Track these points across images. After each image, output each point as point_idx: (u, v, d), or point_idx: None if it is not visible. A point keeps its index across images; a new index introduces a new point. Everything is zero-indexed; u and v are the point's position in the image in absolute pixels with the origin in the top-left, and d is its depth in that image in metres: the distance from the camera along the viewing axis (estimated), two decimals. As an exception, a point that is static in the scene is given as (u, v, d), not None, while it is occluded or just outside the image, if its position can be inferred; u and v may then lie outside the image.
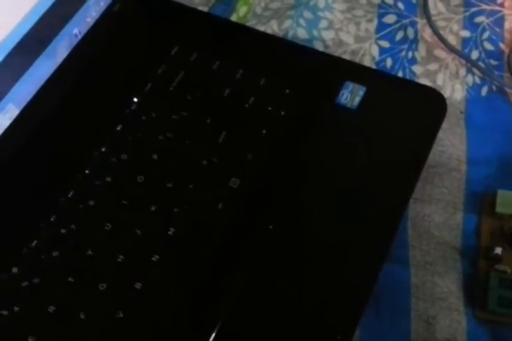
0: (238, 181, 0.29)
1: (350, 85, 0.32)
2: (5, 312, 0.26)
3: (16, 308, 0.26)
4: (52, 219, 0.28)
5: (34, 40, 0.29)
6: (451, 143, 0.33)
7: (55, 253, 0.27)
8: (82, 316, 0.26)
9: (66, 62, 0.31)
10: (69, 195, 0.29)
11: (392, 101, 0.32)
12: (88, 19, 0.32)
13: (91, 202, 0.29)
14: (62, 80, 0.31)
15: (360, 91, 0.32)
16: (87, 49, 0.32)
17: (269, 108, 0.31)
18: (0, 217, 0.28)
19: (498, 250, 0.29)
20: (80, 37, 0.32)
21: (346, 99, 0.32)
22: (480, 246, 0.30)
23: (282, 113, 0.31)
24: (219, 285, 0.27)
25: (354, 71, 0.33)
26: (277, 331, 0.26)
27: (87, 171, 0.30)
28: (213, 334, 0.26)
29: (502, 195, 0.30)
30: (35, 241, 0.28)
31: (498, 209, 0.30)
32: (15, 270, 0.27)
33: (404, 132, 0.31)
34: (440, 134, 0.32)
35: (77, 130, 0.31)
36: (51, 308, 0.26)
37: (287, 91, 0.32)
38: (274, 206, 0.29)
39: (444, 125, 0.32)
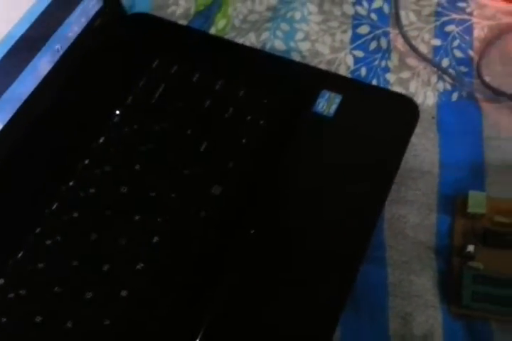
0: (220, 188, 0.30)
1: (327, 94, 0.33)
2: None
3: (3, 319, 0.27)
4: (37, 231, 0.29)
5: (17, 56, 0.30)
6: (424, 147, 0.34)
7: (40, 265, 0.28)
8: (69, 325, 0.27)
9: (49, 76, 0.32)
10: (53, 207, 0.30)
11: (367, 108, 0.33)
12: (70, 34, 0.33)
13: (75, 214, 0.29)
14: (46, 94, 0.32)
15: (336, 99, 0.33)
16: (69, 63, 0.33)
17: (249, 117, 0.32)
18: None
19: (471, 248, 0.30)
20: (61, 52, 0.33)
21: (323, 107, 0.33)
22: (453, 245, 0.31)
23: (261, 122, 0.32)
24: (203, 291, 0.28)
25: (330, 80, 0.34)
26: (259, 335, 0.27)
27: (71, 183, 0.30)
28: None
29: (473, 195, 0.32)
30: (21, 253, 0.28)
31: (470, 209, 0.31)
32: (1, 282, 0.28)
33: (378, 138, 0.32)
34: (413, 139, 0.33)
35: (61, 143, 0.32)
36: (38, 318, 0.27)
37: (265, 101, 0.33)
38: (255, 211, 0.30)
39: (417, 130, 0.33)
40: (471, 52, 0.38)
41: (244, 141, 0.32)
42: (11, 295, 0.27)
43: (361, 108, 0.33)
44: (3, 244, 0.29)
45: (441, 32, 0.38)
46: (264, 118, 0.32)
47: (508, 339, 0.29)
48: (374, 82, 0.37)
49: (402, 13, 0.39)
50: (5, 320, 0.27)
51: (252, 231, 0.29)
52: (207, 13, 0.39)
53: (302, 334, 0.27)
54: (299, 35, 0.38)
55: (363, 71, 0.37)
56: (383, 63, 0.37)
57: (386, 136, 0.32)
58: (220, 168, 0.31)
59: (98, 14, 0.35)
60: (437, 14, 0.39)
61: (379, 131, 0.32)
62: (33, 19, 0.30)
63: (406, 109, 0.33)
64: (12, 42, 0.29)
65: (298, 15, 0.39)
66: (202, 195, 0.30)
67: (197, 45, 0.35)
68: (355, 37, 0.38)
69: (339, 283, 0.28)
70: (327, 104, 0.33)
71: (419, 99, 0.36)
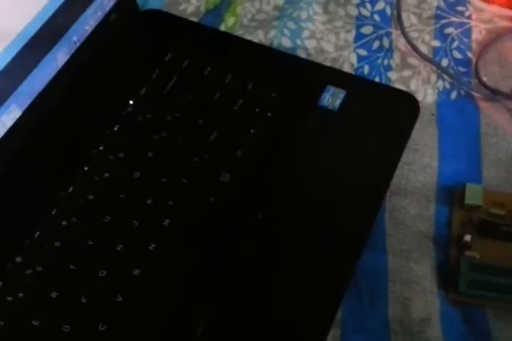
0: (228, 175, 0.31)
1: (331, 89, 0.35)
2: None
3: (21, 294, 0.27)
4: (53, 213, 0.30)
5: (37, 46, 0.31)
6: (424, 142, 0.36)
7: (56, 244, 0.29)
8: (83, 300, 0.27)
9: (66, 67, 0.33)
10: (69, 190, 0.31)
11: (370, 103, 0.34)
12: (86, 27, 0.35)
13: (90, 196, 0.30)
14: (62, 84, 0.33)
15: (341, 94, 0.34)
16: (85, 55, 0.34)
17: (257, 110, 0.34)
18: None
19: (468, 237, 0.31)
20: (78, 44, 0.34)
21: (328, 101, 0.34)
22: (451, 235, 0.32)
23: (269, 114, 0.34)
24: (211, 272, 0.29)
25: (335, 76, 0.35)
26: (262, 314, 0.28)
27: (86, 168, 0.32)
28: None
29: (470, 188, 0.33)
30: (37, 233, 0.29)
31: (467, 201, 0.32)
32: (18, 259, 0.28)
33: (380, 132, 0.33)
34: (414, 134, 0.34)
35: (76, 131, 0.33)
36: (54, 294, 0.27)
37: (273, 94, 0.34)
38: (262, 197, 0.31)
39: (417, 126, 0.35)
40: (469, 54, 0.39)
41: (252, 131, 0.33)
42: (29, 271, 0.28)
43: (364, 103, 0.34)
44: (20, 224, 0.30)
45: (440, 34, 0.40)
46: (271, 111, 0.34)
47: (502, 326, 0.30)
48: (376, 80, 0.38)
49: (404, 15, 0.40)
50: (22, 294, 0.27)
51: (259, 216, 0.30)
52: (216, 12, 0.41)
53: (304, 316, 0.28)
54: (305, 34, 0.40)
55: (366, 69, 0.39)
56: (385, 62, 0.39)
57: (388, 130, 0.34)
58: (229, 156, 0.32)
59: (113, 9, 0.36)
60: (437, 17, 0.41)
61: (381, 125, 0.34)
62: (52, 11, 0.32)
63: (407, 105, 0.35)
64: (33, 32, 0.30)
65: (304, 15, 0.40)
66: (211, 182, 0.31)
67: (208, 41, 0.37)
68: (359, 36, 0.40)
69: (342, 268, 0.29)
70: (332, 98, 0.34)
71: (419, 97, 0.37)
